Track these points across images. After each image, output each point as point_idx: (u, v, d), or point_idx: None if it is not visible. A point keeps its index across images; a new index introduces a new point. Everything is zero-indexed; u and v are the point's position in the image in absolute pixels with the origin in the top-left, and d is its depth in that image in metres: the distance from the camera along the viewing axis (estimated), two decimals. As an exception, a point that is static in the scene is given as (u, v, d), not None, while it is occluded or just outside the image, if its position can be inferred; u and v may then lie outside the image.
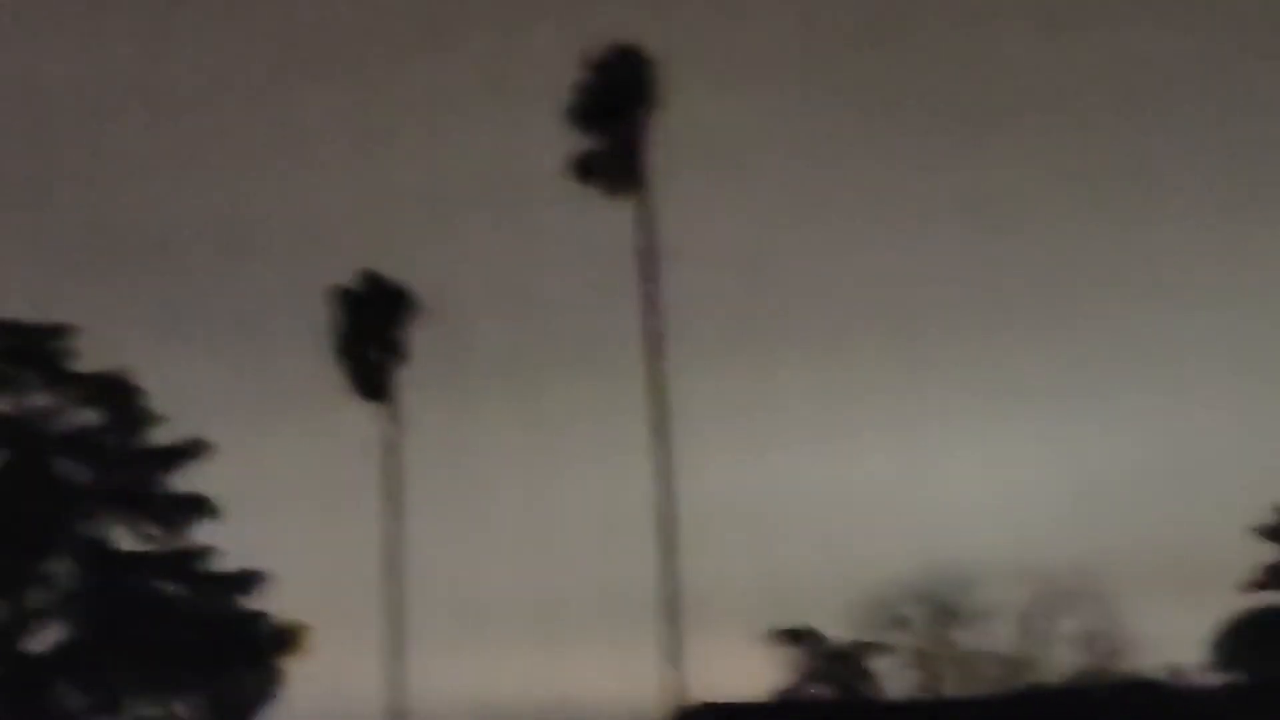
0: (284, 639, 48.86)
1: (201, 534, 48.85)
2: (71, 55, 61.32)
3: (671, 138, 48.71)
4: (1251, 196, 58.16)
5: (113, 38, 61.15)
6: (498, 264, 57.03)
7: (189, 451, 49.11)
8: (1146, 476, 53.13)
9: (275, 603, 48.70)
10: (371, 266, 52.46)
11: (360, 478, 51.22)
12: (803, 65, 60.32)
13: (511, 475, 53.02)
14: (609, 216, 48.44)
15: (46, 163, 59.40)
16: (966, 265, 59.06)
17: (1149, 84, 61.98)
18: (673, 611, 46.66)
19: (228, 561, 49.01)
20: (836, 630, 53.58)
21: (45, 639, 47.80)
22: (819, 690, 53.54)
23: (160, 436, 49.40)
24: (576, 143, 48.73)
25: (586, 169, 48.65)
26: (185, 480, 49.05)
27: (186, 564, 48.95)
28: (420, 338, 52.01)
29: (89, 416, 49.57)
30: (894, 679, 52.90)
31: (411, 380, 51.96)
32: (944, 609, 51.91)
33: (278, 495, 52.18)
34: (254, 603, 49.06)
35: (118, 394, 49.38)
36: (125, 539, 49.01)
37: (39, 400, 49.02)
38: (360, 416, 51.53)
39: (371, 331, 52.22)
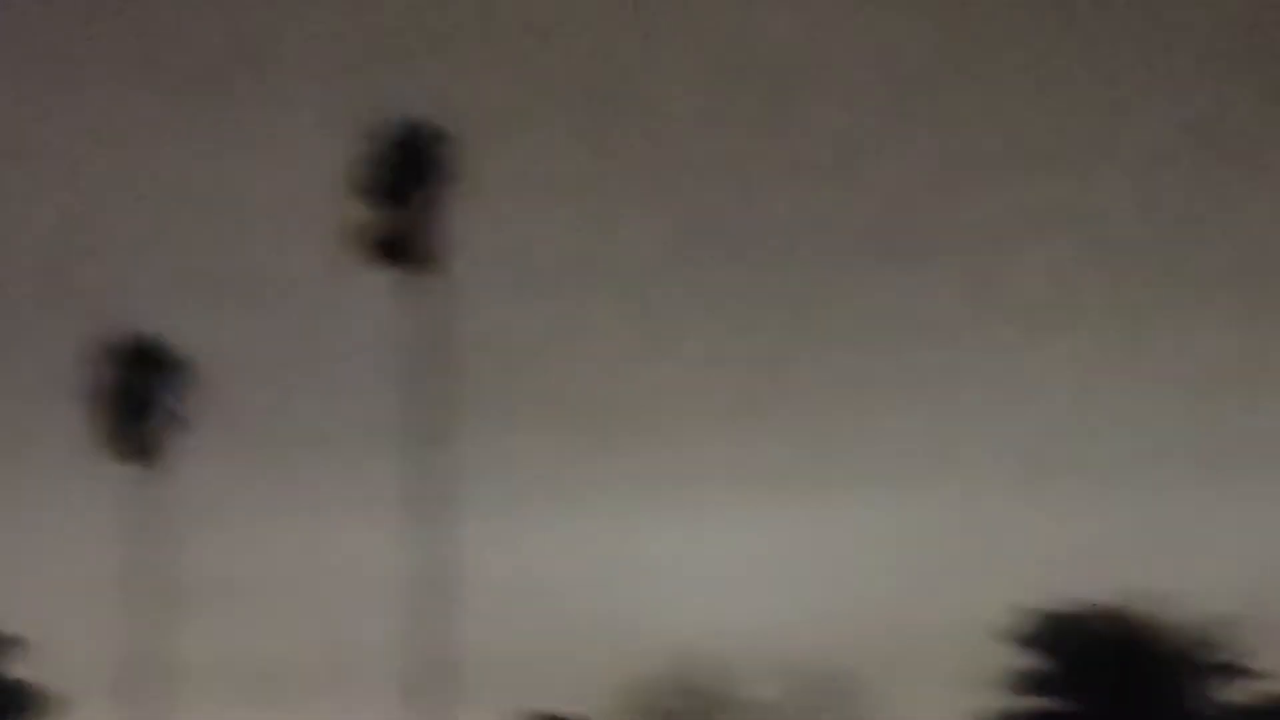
0: (38, 705, 47.92)
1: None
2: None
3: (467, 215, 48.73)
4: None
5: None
6: (287, 334, 56.33)
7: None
8: (911, 572, 54.13)
9: (30, 669, 47.89)
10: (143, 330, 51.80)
11: (117, 540, 50.22)
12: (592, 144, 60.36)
13: (285, 540, 52.62)
14: (399, 291, 48.28)
15: None
16: (735, 347, 59.80)
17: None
18: (417, 685, 46.51)
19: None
20: (595, 717, 53.56)
21: None
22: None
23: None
24: (362, 218, 48.50)
25: (380, 247, 48.37)
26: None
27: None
28: (191, 402, 51.50)
29: None
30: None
31: (178, 444, 51.32)
32: (706, 701, 52.16)
33: (32, 558, 51.01)
34: (8, 668, 48.06)
35: None
36: None
37: None
38: (119, 478, 50.67)
39: (139, 393, 51.42)
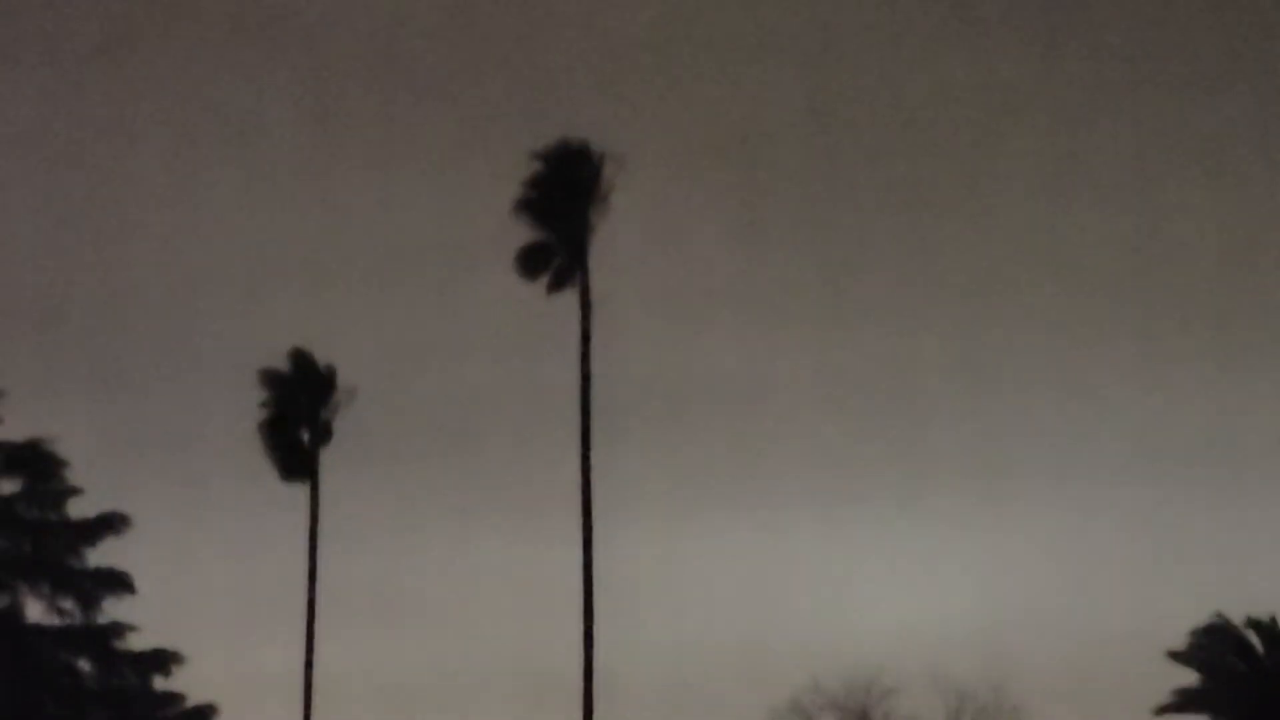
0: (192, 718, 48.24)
1: (117, 610, 48.25)
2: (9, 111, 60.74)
3: (615, 230, 49.17)
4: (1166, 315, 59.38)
5: (46, 101, 60.63)
6: (430, 347, 56.91)
7: (107, 525, 48.40)
8: (1066, 595, 53.87)
9: (187, 683, 48.23)
10: (302, 346, 52.41)
11: (280, 559, 50.81)
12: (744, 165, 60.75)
13: (434, 559, 53.01)
14: (547, 303, 48.68)
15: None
16: (899, 368, 59.83)
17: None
18: (589, 707, 46.57)
19: (141, 639, 48.37)
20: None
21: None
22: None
23: (78, 509, 48.75)
24: (523, 234, 49.10)
25: (531, 261, 48.88)
26: (102, 555, 48.41)
27: (99, 640, 48.10)
28: (347, 419, 52.01)
29: (5, 485, 48.77)
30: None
31: (337, 461, 51.82)
32: (861, 718, 52.10)
33: (196, 572, 51.59)
34: (166, 683, 48.43)
35: (36, 463, 48.55)
36: (38, 612, 48.26)
37: (-47, 467, 48.20)
38: (283, 496, 51.19)
39: (298, 412, 51.96)
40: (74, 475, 48.38)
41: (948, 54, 62.95)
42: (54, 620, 48.00)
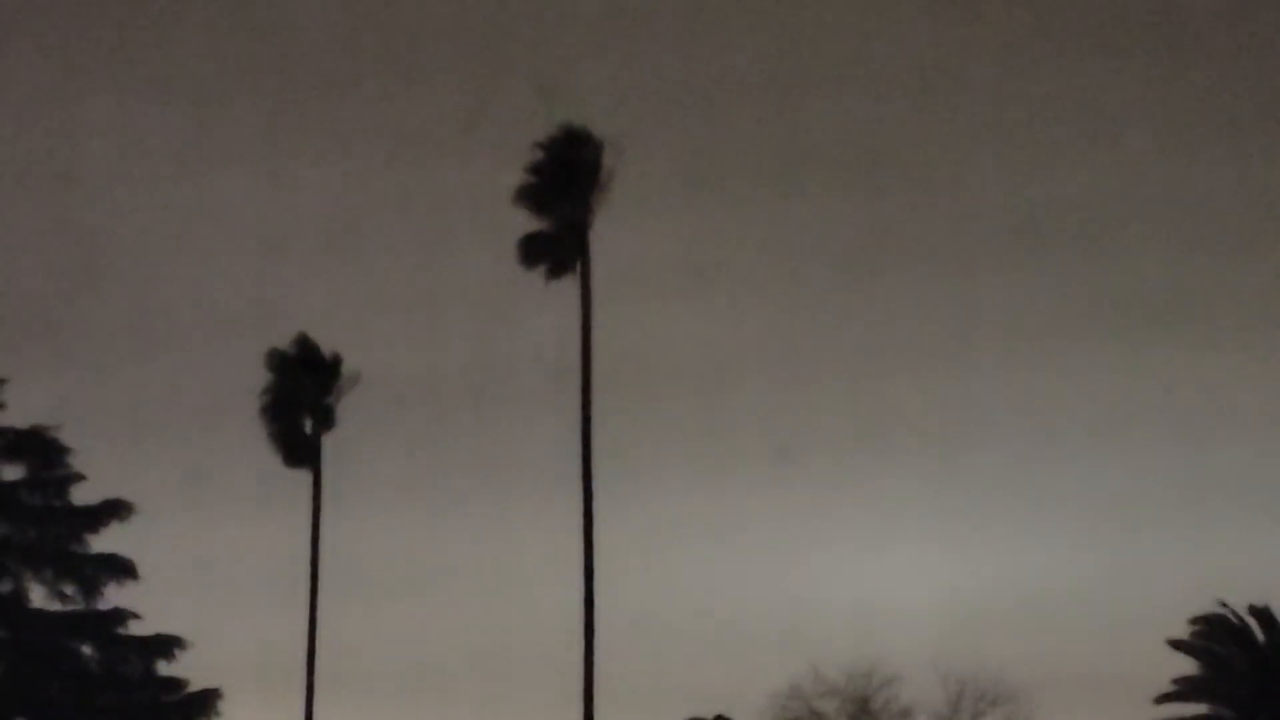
0: (199, 705, 48.41)
1: (119, 596, 48.47)
2: (25, 112, 60.92)
3: (617, 222, 49.14)
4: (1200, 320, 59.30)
5: (62, 95, 60.77)
6: (440, 339, 56.99)
7: (110, 512, 48.60)
8: (1068, 584, 53.90)
9: (190, 668, 48.46)
10: (306, 332, 52.52)
11: (282, 545, 50.91)
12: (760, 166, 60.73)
13: (436, 548, 53.13)
14: (554, 300, 48.72)
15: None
16: (910, 371, 59.82)
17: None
18: (589, 698, 46.66)
19: (144, 625, 48.56)
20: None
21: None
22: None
23: (82, 495, 48.95)
24: (525, 223, 49.09)
25: (530, 250, 48.86)
26: (105, 541, 48.64)
27: (103, 626, 48.33)
28: (350, 405, 52.09)
29: (9, 471, 48.99)
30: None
31: (340, 447, 51.89)
32: (862, 705, 52.16)
33: (198, 558, 51.76)
34: (169, 668, 48.64)
35: (40, 449, 48.76)
36: (41, 597, 48.50)
37: (-42, 453, 48.41)
38: (287, 482, 51.31)
39: (302, 398, 52.01)
40: (77, 461, 48.74)
41: (949, 32, 62.77)
42: (57, 606, 48.34)
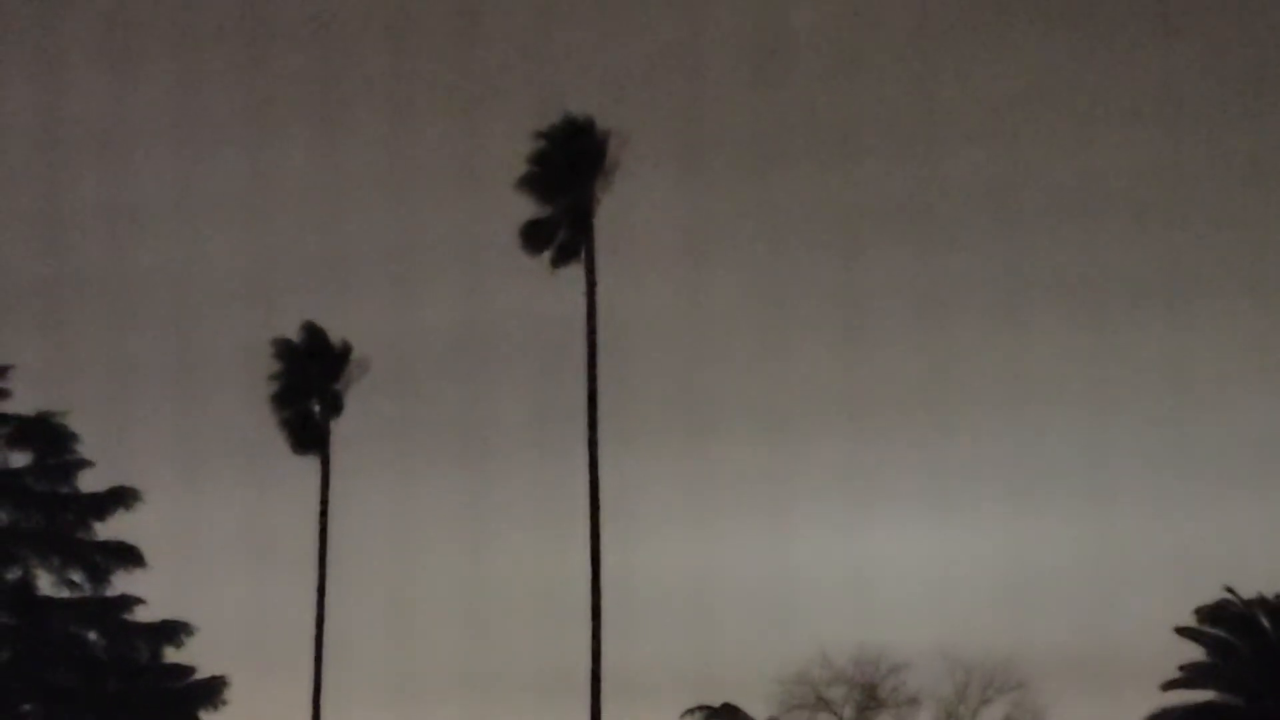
0: (205, 692, 48.48)
1: (126, 583, 48.55)
2: (21, 96, 60.90)
3: (621, 211, 49.23)
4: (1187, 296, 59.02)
5: (69, 81, 60.79)
6: (447, 328, 57.03)
7: (117, 499, 48.67)
8: (1074, 572, 53.81)
9: (198, 655, 48.56)
10: (316, 321, 52.65)
11: (290, 532, 51.09)
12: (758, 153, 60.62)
13: (443, 535, 53.18)
14: (560, 287, 48.79)
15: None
16: (910, 355, 59.62)
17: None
18: (596, 684, 46.63)
19: (151, 612, 48.66)
20: (761, 709, 53.75)
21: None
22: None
23: (89, 482, 49.04)
24: (529, 211, 49.13)
25: (534, 237, 48.93)
26: (112, 528, 48.70)
27: (110, 612, 48.37)
28: (361, 396, 52.20)
29: (16, 458, 49.07)
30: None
31: (350, 437, 52.03)
32: (869, 693, 52.20)
33: (205, 546, 51.90)
34: (176, 654, 48.72)
35: (47, 437, 48.83)
36: (48, 584, 48.57)
37: (-36, 439, 48.51)
38: (294, 470, 51.46)
39: (310, 384, 52.15)
40: (84, 449, 48.77)
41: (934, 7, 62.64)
42: (64, 593, 48.41)
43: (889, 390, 58.64)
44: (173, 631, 48.49)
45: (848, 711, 52.36)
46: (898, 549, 55.78)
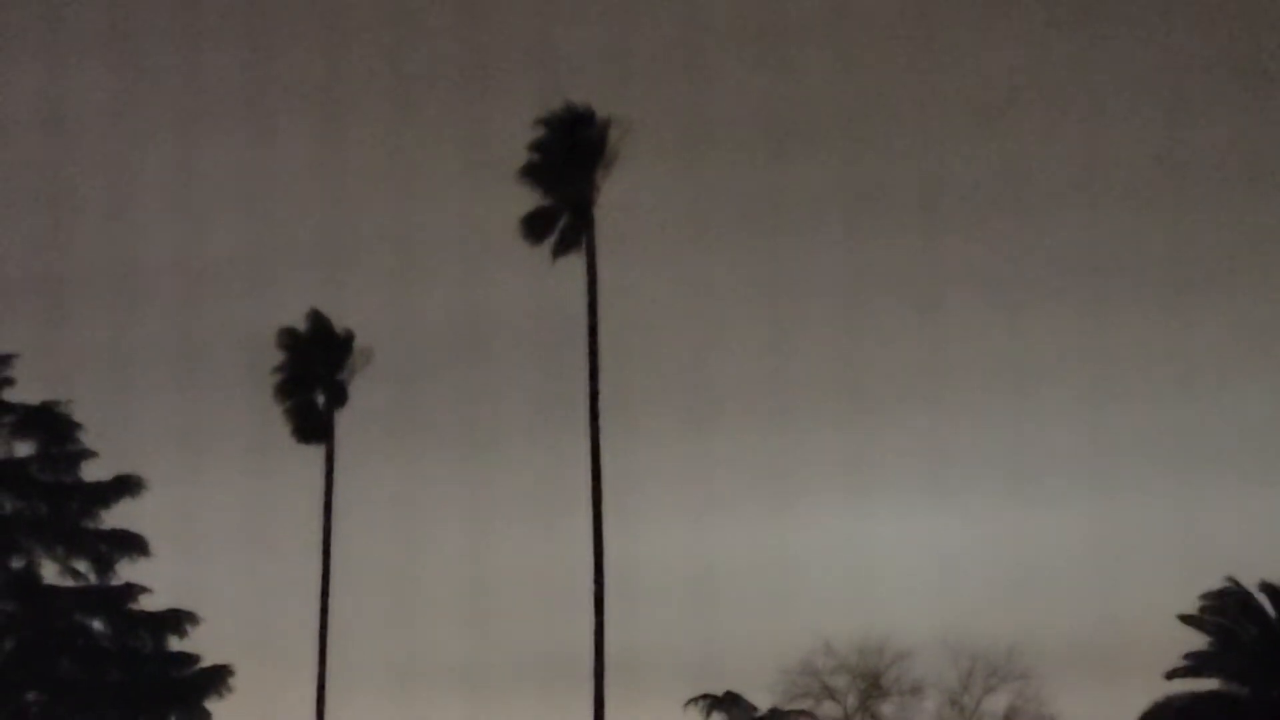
0: (210, 681, 48.52)
1: (130, 572, 48.61)
2: (24, 83, 60.91)
3: (622, 201, 49.25)
4: (1190, 285, 58.95)
5: (71, 69, 60.83)
6: (450, 318, 57.05)
7: (122, 488, 48.71)
8: (1078, 561, 53.76)
9: (203, 644, 48.61)
10: (321, 309, 52.68)
11: (294, 521, 51.16)
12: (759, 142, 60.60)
13: (447, 525, 53.20)
14: (562, 277, 48.82)
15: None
16: (912, 344, 59.54)
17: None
18: (600, 673, 46.66)
19: (156, 600, 48.71)
20: (764, 697, 53.81)
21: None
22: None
23: (93, 471, 49.07)
24: (531, 201, 49.13)
25: (535, 228, 48.93)
26: (117, 517, 48.74)
27: (114, 601, 48.41)
28: (365, 386, 52.26)
29: (20, 447, 49.10)
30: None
31: (353, 426, 52.11)
32: (872, 681, 52.20)
33: (210, 535, 51.97)
34: (180, 643, 48.76)
35: (51, 426, 48.86)
36: (53, 573, 48.61)
37: (-32, 428, 48.56)
38: (298, 459, 51.54)
39: (314, 374, 52.20)
40: (88, 438, 48.80)
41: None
42: (69, 582, 48.45)
43: (891, 379, 58.65)
44: (177, 621, 48.54)
45: (851, 700, 52.43)
46: (901, 537, 55.83)
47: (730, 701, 54.32)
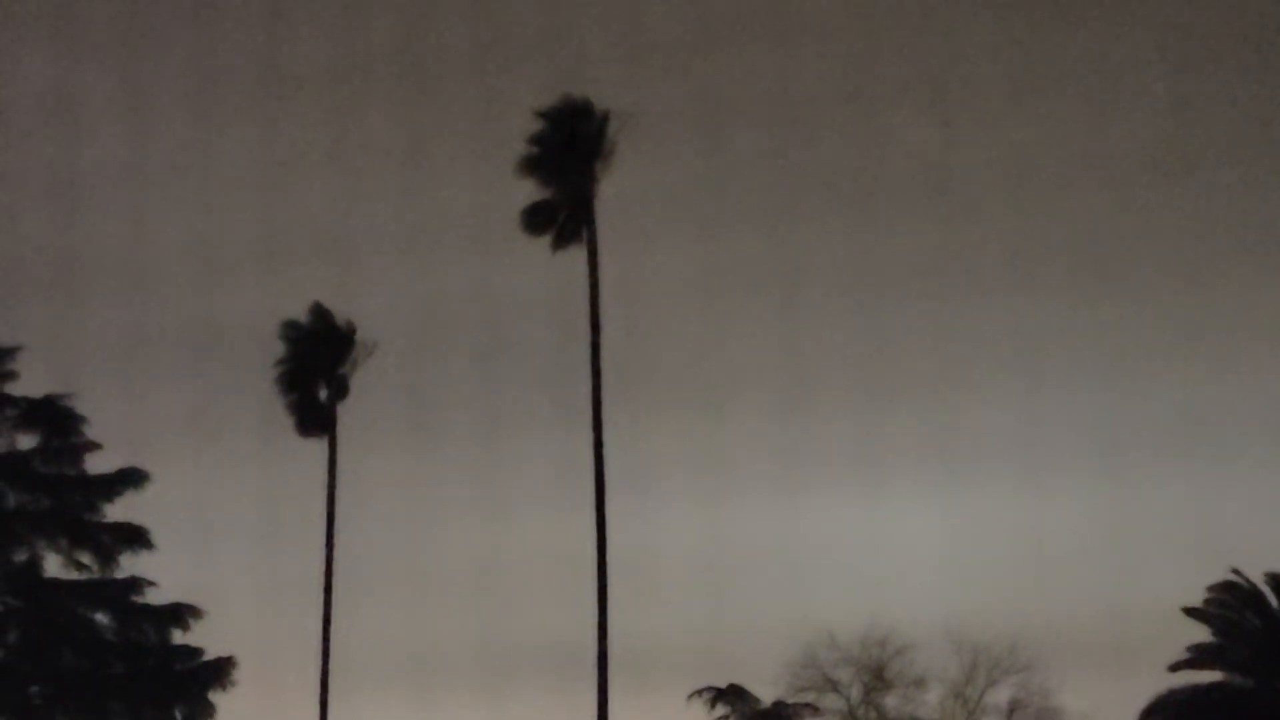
0: (214, 673, 48.55)
1: (134, 565, 48.62)
2: (32, 69, 60.94)
3: (622, 192, 49.18)
4: (1199, 277, 58.73)
5: (77, 55, 60.83)
6: (454, 309, 57.02)
7: (125, 480, 48.72)
8: (1083, 553, 53.62)
9: (207, 636, 48.65)
10: (324, 302, 52.70)
11: (298, 513, 51.17)
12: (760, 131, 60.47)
13: (450, 517, 53.23)
14: (567, 267, 48.74)
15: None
16: (921, 332, 59.43)
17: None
18: (603, 665, 46.64)
19: (160, 593, 48.73)
20: (768, 690, 53.75)
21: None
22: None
23: (97, 464, 49.11)
24: (531, 193, 49.05)
25: (535, 220, 48.85)
26: (120, 510, 48.79)
27: (118, 594, 48.42)
28: (369, 378, 52.26)
29: (24, 440, 49.14)
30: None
31: (357, 417, 52.10)
32: (876, 674, 52.12)
33: (214, 528, 51.99)
34: (184, 636, 48.80)
35: (55, 418, 48.87)
36: (56, 566, 48.68)
37: (-29, 421, 48.59)
38: (302, 452, 51.56)
39: (317, 367, 52.18)
40: (92, 431, 48.83)
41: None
42: (72, 575, 48.50)
43: (898, 366, 58.53)
44: (181, 614, 48.55)
45: (854, 693, 52.38)
46: (907, 527, 55.72)
47: (734, 694, 54.25)
